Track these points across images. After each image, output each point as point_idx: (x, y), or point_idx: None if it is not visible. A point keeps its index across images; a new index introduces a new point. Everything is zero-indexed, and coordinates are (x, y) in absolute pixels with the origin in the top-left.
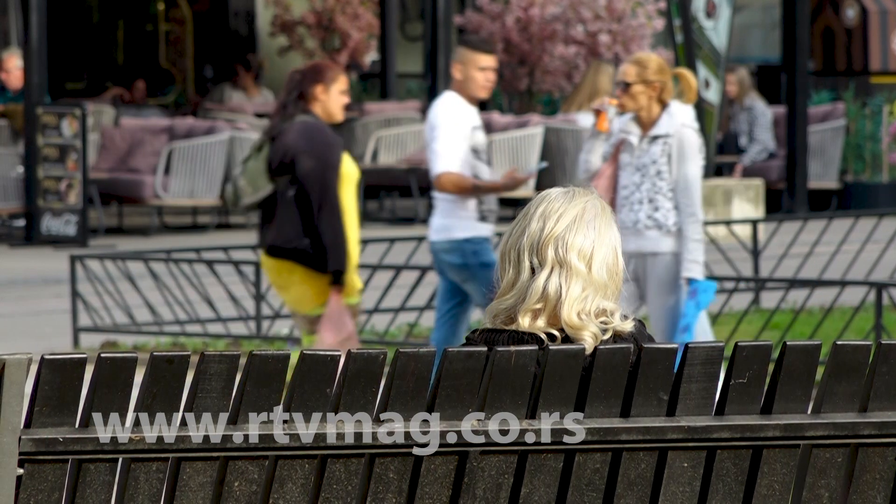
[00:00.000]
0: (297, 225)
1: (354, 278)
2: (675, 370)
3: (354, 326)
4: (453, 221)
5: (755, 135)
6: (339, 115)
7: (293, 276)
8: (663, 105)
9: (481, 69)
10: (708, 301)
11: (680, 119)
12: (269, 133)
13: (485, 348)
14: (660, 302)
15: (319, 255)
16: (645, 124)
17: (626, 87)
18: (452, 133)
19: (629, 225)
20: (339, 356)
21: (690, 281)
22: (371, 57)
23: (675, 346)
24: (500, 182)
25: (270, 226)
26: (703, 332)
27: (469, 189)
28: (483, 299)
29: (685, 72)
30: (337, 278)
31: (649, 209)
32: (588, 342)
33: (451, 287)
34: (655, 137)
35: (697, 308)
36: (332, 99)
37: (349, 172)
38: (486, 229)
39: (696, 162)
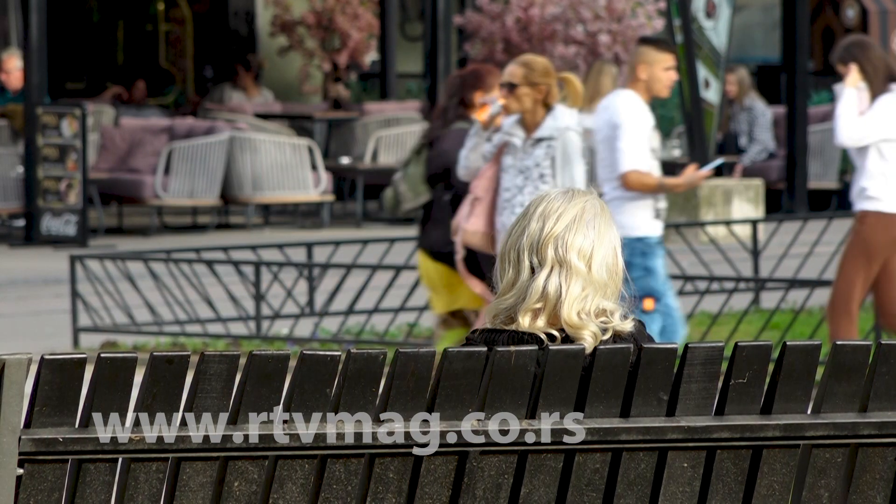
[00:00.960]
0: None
1: None
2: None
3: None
4: (627, 219)
5: (755, 135)
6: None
7: (455, 278)
8: (548, 108)
9: (666, 69)
10: None
11: (564, 122)
12: (427, 137)
13: (484, 348)
14: None
15: (473, 261)
16: (529, 127)
17: (511, 88)
18: (637, 131)
19: None
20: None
21: None
22: (371, 57)
23: (674, 345)
24: (682, 179)
25: (429, 229)
26: None
27: (654, 187)
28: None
29: (571, 77)
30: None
31: None
32: (588, 341)
33: None
34: (539, 140)
35: None
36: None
37: None
38: (658, 228)
39: (580, 165)
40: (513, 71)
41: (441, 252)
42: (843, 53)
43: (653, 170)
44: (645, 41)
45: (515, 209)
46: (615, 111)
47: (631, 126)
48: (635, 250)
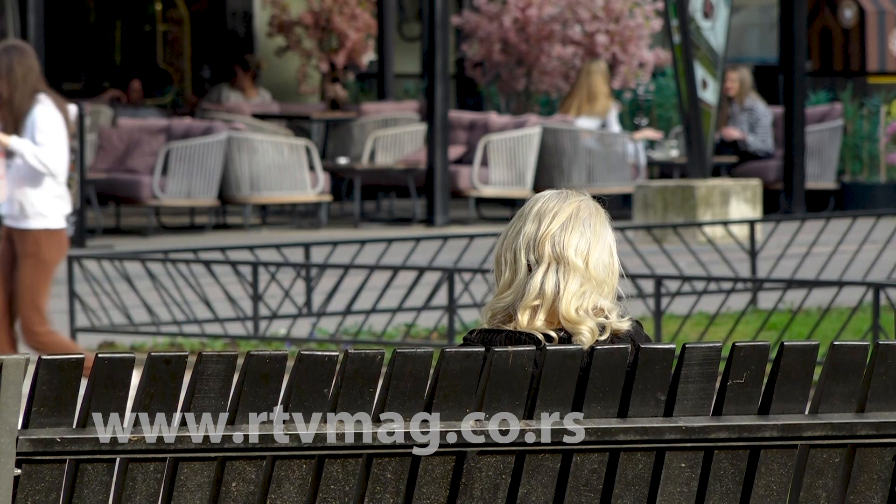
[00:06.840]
0: None
1: None
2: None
3: None
4: None
5: (756, 135)
6: None
7: None
8: None
9: None
10: None
11: None
12: None
13: (482, 349)
14: None
15: None
16: None
17: None
18: None
19: None
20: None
21: None
22: (368, 57)
23: (672, 346)
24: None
25: None
26: None
27: None
28: None
29: None
30: None
31: None
32: (586, 336)
33: None
34: None
35: None
36: None
37: None
38: None
39: None
40: None
41: None
42: None
43: None
44: None
45: None
46: None
47: None
48: None
